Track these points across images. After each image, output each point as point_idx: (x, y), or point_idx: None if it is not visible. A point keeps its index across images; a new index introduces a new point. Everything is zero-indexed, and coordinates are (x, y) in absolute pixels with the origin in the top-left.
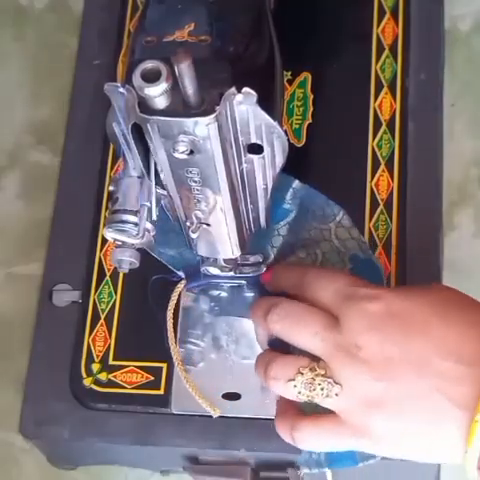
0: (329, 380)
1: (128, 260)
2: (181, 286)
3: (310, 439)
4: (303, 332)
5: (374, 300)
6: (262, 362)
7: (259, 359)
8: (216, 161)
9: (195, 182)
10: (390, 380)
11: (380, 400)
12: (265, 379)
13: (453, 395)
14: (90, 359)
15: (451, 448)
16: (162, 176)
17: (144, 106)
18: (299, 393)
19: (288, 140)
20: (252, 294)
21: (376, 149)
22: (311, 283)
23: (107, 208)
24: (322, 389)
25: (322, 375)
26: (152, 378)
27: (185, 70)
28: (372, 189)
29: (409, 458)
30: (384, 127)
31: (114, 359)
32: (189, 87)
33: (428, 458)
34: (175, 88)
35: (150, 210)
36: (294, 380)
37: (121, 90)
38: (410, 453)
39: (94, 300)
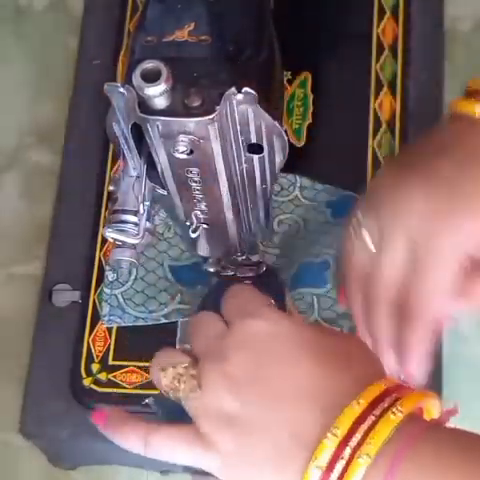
0: (194, 382)
1: (128, 260)
2: None
3: (162, 448)
4: (204, 333)
5: (257, 318)
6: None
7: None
8: (216, 161)
9: (195, 182)
10: (247, 402)
11: (233, 417)
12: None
13: (295, 435)
14: (90, 359)
15: None
16: (162, 176)
17: (144, 106)
18: (165, 378)
19: (288, 140)
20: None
21: (376, 149)
22: (229, 294)
23: (107, 208)
24: (184, 388)
25: (191, 375)
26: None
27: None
28: None
29: None
30: (384, 127)
31: (114, 359)
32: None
33: None
34: (175, 88)
35: (150, 210)
36: (165, 370)
37: (121, 90)
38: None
39: (94, 300)
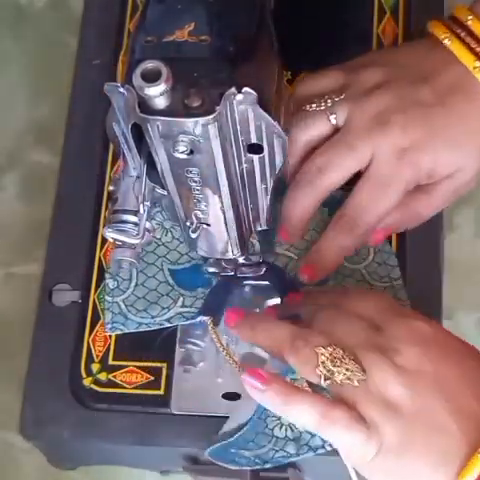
0: (357, 366)
1: (128, 260)
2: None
3: (332, 429)
4: (350, 326)
5: (422, 321)
6: (286, 328)
7: (279, 325)
8: (216, 161)
9: (195, 182)
10: (416, 393)
11: (400, 405)
12: (290, 344)
13: (466, 434)
14: (90, 359)
15: None
16: (162, 176)
17: (144, 106)
18: (322, 363)
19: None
20: (254, 293)
21: None
22: (354, 300)
23: (107, 208)
24: (347, 370)
25: (353, 359)
26: (152, 378)
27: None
28: None
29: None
30: None
31: (114, 359)
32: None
33: None
34: (175, 88)
35: (150, 210)
36: (324, 348)
37: (121, 90)
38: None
39: (94, 300)
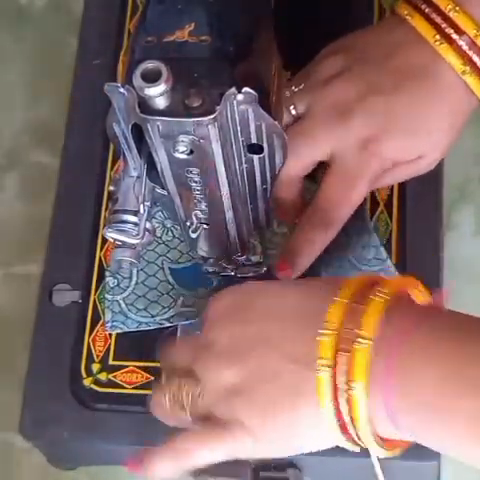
0: (190, 382)
1: (128, 260)
2: None
3: (201, 456)
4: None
5: (218, 297)
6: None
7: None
8: (216, 161)
9: (195, 182)
10: (239, 363)
11: (236, 387)
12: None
13: (296, 355)
14: (90, 359)
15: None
16: (162, 176)
17: (144, 106)
18: (169, 401)
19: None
20: None
21: None
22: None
23: (107, 208)
24: (187, 394)
25: (186, 384)
26: (152, 378)
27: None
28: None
29: (288, 450)
30: None
31: (114, 359)
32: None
33: (305, 442)
34: (175, 88)
35: (150, 210)
36: (165, 396)
37: (121, 90)
38: (284, 442)
39: (94, 300)
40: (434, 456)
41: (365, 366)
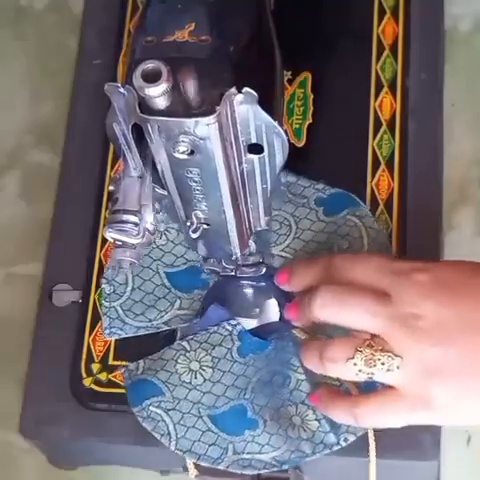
0: (389, 354)
1: (128, 260)
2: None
3: (371, 416)
4: (353, 311)
5: (422, 271)
6: (313, 347)
7: (308, 345)
8: (216, 161)
9: (195, 182)
10: (447, 345)
11: (440, 366)
12: (320, 363)
13: None
14: (90, 359)
15: None
16: (162, 176)
17: (144, 106)
18: (359, 371)
19: (288, 140)
20: (252, 293)
21: (376, 149)
22: (344, 268)
23: (107, 208)
24: (383, 364)
25: (381, 350)
26: None
27: (189, 86)
28: (372, 189)
29: (472, 422)
30: (384, 127)
31: (114, 359)
32: (193, 96)
33: None
34: (175, 88)
35: (150, 210)
36: (353, 358)
37: (121, 90)
38: (473, 417)
39: (94, 300)
40: (434, 456)
41: None
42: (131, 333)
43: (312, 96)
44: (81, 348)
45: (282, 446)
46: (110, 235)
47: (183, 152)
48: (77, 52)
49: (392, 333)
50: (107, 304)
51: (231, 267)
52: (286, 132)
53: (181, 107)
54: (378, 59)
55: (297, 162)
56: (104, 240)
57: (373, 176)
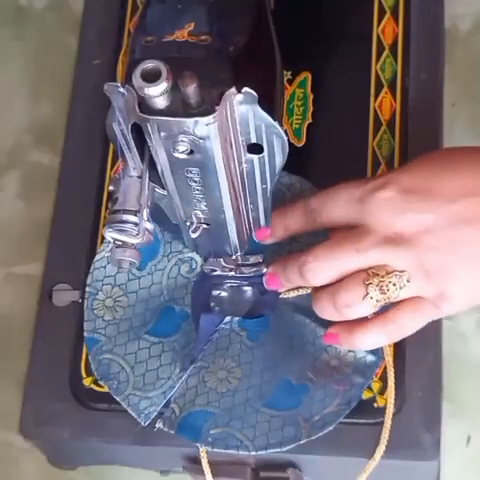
0: (396, 273)
1: (128, 260)
2: None
3: (403, 327)
4: (345, 263)
5: (384, 187)
6: (325, 300)
7: (319, 300)
8: (216, 161)
9: (195, 182)
10: (438, 244)
11: (440, 264)
12: (338, 312)
13: None
14: None
15: None
16: (162, 176)
17: (144, 106)
18: (377, 302)
19: (288, 140)
20: (252, 293)
21: (376, 149)
22: (318, 210)
23: (107, 208)
24: (394, 284)
25: (386, 274)
26: None
27: (191, 92)
28: None
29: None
30: (384, 127)
31: None
32: (193, 96)
33: None
34: (175, 88)
35: (150, 210)
36: (368, 294)
37: (121, 90)
38: None
39: None
40: (434, 456)
41: None
42: (163, 400)
43: (312, 96)
44: (81, 348)
45: (338, 390)
46: (110, 235)
47: (183, 152)
48: (77, 52)
49: (386, 256)
50: (121, 397)
51: (231, 267)
52: (286, 132)
53: (181, 107)
54: (378, 59)
55: (297, 162)
56: (104, 240)
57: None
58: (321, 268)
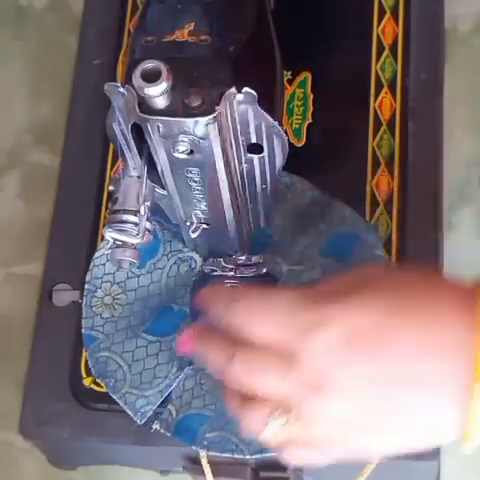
0: (299, 424)
1: (128, 260)
2: None
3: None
4: (262, 384)
5: (327, 325)
6: (234, 400)
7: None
8: (216, 161)
9: (195, 182)
10: (358, 401)
11: (351, 421)
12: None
13: (443, 392)
14: None
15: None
16: (162, 176)
17: (144, 106)
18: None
19: (288, 140)
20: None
21: (376, 149)
22: (243, 323)
23: (107, 208)
24: (293, 430)
25: (294, 418)
26: None
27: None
28: (372, 189)
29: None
30: (384, 127)
31: None
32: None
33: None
34: (175, 88)
35: (150, 210)
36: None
37: (121, 90)
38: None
39: None
40: (434, 456)
41: None
42: (159, 399)
43: (312, 96)
44: (81, 348)
45: None
46: (110, 235)
47: (183, 152)
48: (77, 52)
49: (301, 402)
50: (117, 395)
51: (231, 267)
52: (286, 132)
53: (181, 107)
54: (378, 59)
55: (297, 162)
56: (104, 238)
57: (373, 176)
58: (239, 376)
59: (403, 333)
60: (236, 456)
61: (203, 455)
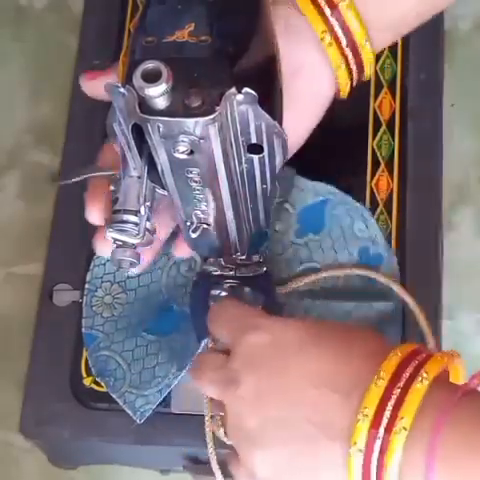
0: (219, 422)
1: (128, 260)
2: None
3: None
4: (204, 373)
5: (253, 332)
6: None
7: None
8: (216, 161)
9: (195, 182)
10: (264, 417)
11: (256, 436)
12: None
13: (324, 426)
14: None
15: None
16: (162, 176)
17: (144, 106)
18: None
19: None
20: (252, 294)
21: (376, 149)
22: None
23: None
24: (220, 423)
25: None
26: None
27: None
28: (372, 189)
29: None
30: (384, 127)
31: None
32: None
33: None
34: (175, 88)
35: (151, 210)
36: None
37: (121, 90)
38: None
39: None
40: None
41: (401, 453)
42: (159, 399)
43: None
44: (81, 348)
45: None
46: (110, 235)
47: (183, 152)
48: (77, 52)
49: (224, 396)
50: (117, 394)
51: (231, 267)
52: None
53: (181, 107)
54: (378, 59)
55: (297, 162)
56: None
57: (373, 176)
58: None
59: (314, 360)
60: None
61: (213, 457)
